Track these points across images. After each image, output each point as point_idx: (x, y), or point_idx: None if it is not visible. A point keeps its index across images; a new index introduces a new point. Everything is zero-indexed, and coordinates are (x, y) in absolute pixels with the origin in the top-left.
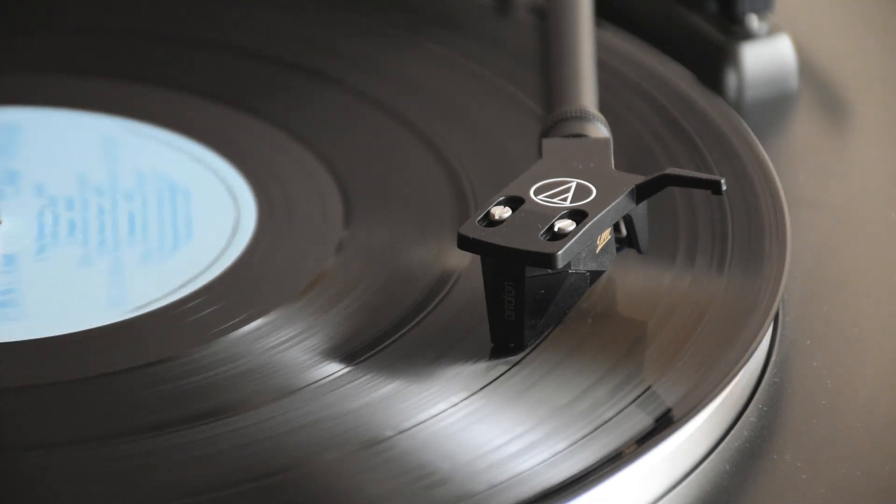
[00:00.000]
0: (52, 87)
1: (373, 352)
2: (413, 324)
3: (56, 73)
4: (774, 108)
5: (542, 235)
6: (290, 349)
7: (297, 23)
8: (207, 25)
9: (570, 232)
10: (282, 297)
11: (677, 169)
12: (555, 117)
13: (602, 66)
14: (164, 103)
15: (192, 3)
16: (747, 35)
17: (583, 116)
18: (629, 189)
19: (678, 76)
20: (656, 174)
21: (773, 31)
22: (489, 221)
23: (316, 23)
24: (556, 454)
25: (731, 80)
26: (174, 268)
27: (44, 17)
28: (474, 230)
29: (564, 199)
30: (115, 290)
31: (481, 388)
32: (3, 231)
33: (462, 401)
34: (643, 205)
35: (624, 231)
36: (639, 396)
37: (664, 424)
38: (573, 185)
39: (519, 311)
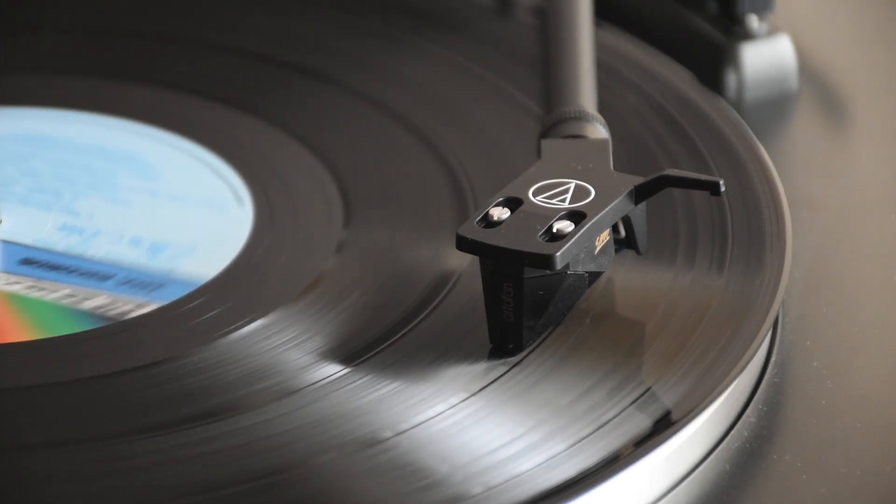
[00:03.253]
0: (51, 87)
1: (373, 352)
2: (413, 324)
3: (56, 74)
4: (774, 108)
5: (540, 236)
6: (290, 350)
7: (297, 23)
8: (207, 25)
9: (569, 233)
10: (282, 298)
11: (676, 170)
12: (554, 118)
13: (602, 67)
14: (165, 103)
15: (192, 3)
16: (747, 35)
17: (582, 117)
18: (628, 190)
19: (678, 76)
20: (655, 175)
21: (773, 31)
22: (488, 222)
23: (316, 23)
24: (556, 455)
25: (731, 80)
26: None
27: (44, 17)
28: (473, 231)
29: (563, 200)
30: None
31: (480, 390)
32: (7, 227)
33: (461, 402)
34: (642, 206)
35: (623, 232)
36: (638, 397)
37: (664, 425)
38: (572, 185)
39: (518, 312)
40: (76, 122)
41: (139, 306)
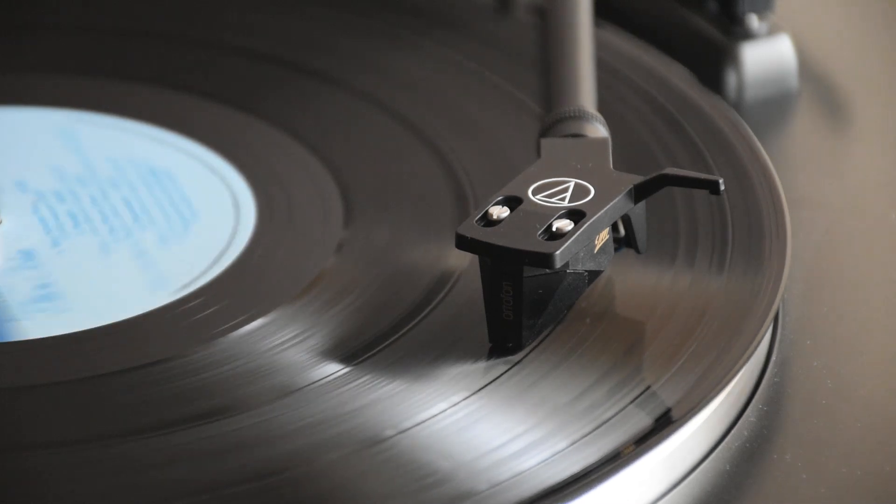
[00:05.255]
0: (51, 87)
1: (373, 352)
2: (413, 324)
3: (55, 74)
4: (774, 108)
5: (540, 235)
6: (290, 349)
7: (298, 23)
8: (207, 25)
9: (569, 232)
10: (282, 297)
11: (675, 169)
12: (553, 117)
13: (602, 66)
14: (164, 103)
15: (192, 3)
16: (747, 35)
17: (581, 116)
18: (627, 189)
19: (678, 76)
20: (654, 174)
21: (773, 31)
22: (487, 221)
23: (316, 23)
24: (557, 454)
25: (731, 80)
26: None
27: (43, 17)
28: (472, 230)
29: (563, 199)
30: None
31: (481, 388)
32: (5, 229)
33: (462, 400)
34: (641, 205)
35: (622, 231)
36: (639, 396)
37: (664, 424)
38: (571, 184)
39: (517, 311)
40: (75, 122)
41: None
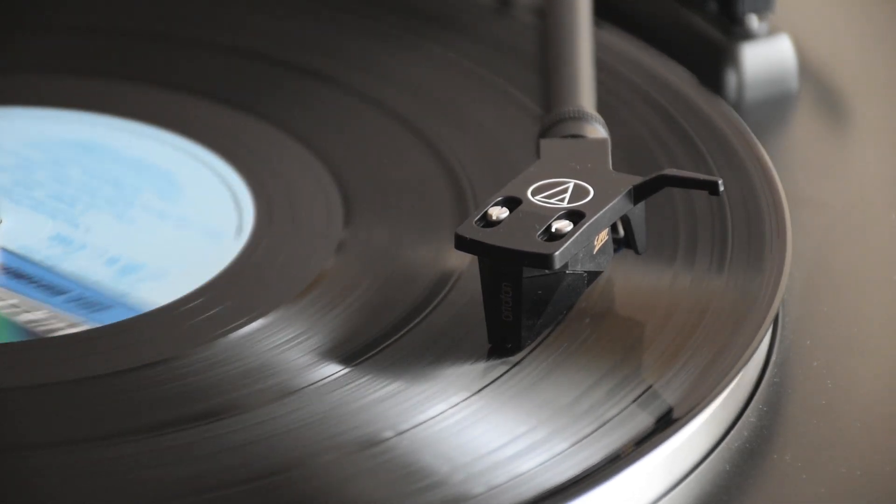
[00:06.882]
0: (51, 87)
1: (373, 352)
2: (413, 324)
3: (56, 74)
4: (774, 108)
5: (539, 236)
6: (290, 350)
7: (298, 23)
8: (207, 25)
9: (568, 233)
10: (282, 298)
11: (674, 170)
12: (553, 118)
13: (602, 67)
14: (164, 103)
15: (192, 3)
16: (747, 35)
17: (581, 117)
18: (627, 190)
19: (678, 76)
20: (654, 175)
21: (773, 31)
22: (487, 222)
23: (316, 23)
24: (556, 455)
25: (731, 80)
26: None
27: (44, 17)
28: (472, 231)
29: (562, 200)
30: None
31: (481, 389)
32: (7, 228)
33: (461, 402)
34: (641, 205)
35: (622, 232)
36: (639, 397)
37: (664, 425)
38: (571, 185)
39: (516, 312)
40: (76, 122)
41: (71, 325)
